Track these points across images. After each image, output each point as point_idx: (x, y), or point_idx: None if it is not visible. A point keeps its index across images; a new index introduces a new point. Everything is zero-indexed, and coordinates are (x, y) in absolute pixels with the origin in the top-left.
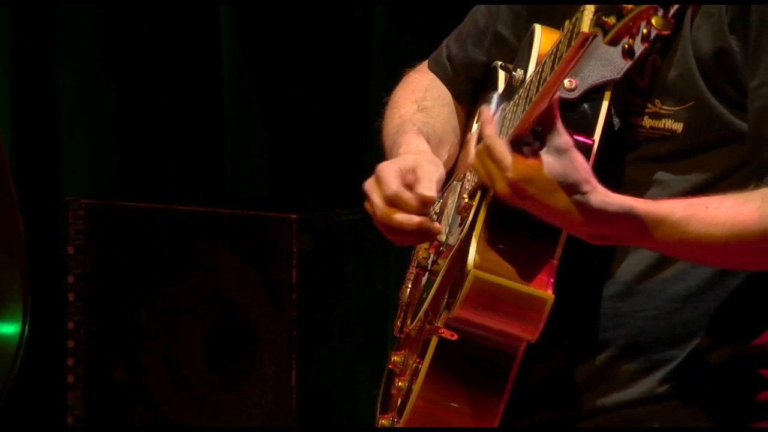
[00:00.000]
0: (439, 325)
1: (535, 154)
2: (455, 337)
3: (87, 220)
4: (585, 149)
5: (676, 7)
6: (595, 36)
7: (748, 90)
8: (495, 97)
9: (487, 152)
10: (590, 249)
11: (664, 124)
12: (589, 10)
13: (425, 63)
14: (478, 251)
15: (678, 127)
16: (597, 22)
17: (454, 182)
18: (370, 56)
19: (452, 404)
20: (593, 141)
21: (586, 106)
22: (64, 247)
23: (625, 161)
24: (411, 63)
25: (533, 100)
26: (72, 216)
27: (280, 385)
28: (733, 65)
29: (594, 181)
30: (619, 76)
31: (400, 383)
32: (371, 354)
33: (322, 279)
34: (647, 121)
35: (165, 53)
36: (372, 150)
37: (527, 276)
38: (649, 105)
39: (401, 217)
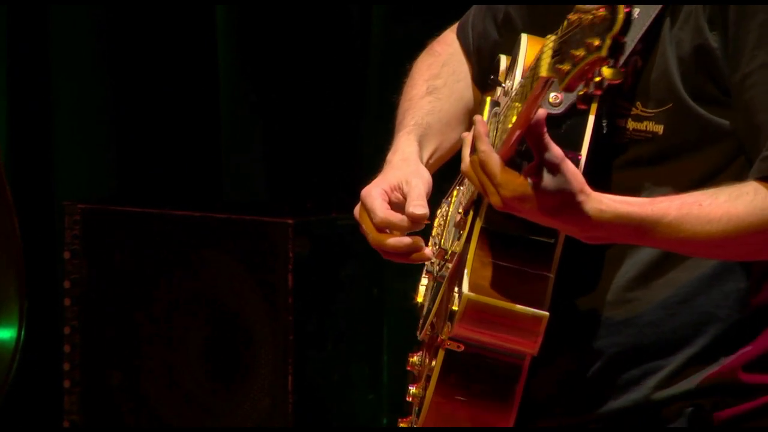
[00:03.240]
0: (444, 338)
1: (528, 170)
2: (461, 349)
3: (83, 224)
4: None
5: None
6: (553, 81)
7: (730, 85)
8: (489, 102)
9: (481, 167)
10: (582, 259)
11: (646, 126)
12: (548, 51)
13: (451, 29)
14: (472, 270)
15: (659, 129)
16: (553, 67)
17: (458, 186)
18: (368, 60)
19: (463, 415)
20: (581, 156)
21: (572, 120)
22: (60, 251)
23: (613, 164)
24: (408, 66)
25: (508, 131)
26: (68, 221)
27: (276, 389)
28: (713, 62)
29: (587, 189)
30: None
31: (414, 390)
32: (367, 358)
33: (318, 283)
34: (631, 124)
35: (162, 57)
36: (369, 155)
37: (522, 294)
38: (632, 107)
39: (392, 241)
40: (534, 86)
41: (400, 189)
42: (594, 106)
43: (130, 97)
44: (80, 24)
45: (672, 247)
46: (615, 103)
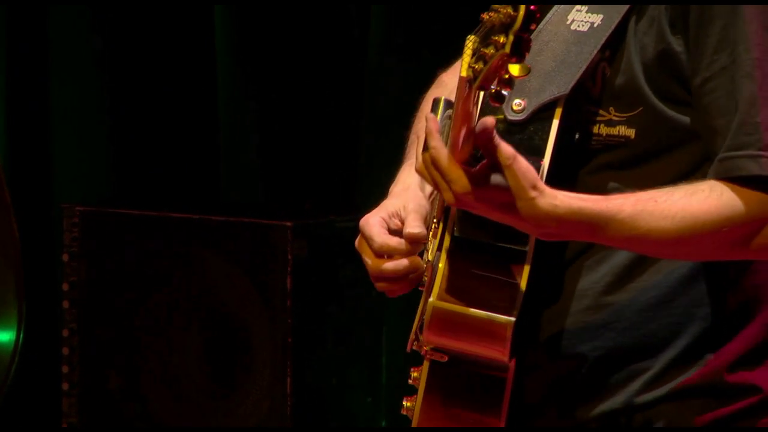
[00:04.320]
0: (427, 348)
1: (481, 166)
2: (445, 359)
3: (82, 227)
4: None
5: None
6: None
7: (691, 88)
8: (443, 101)
9: (432, 163)
10: (559, 265)
11: (618, 131)
12: (468, 51)
13: (461, 59)
14: (442, 278)
15: (631, 133)
16: (470, 67)
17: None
18: (366, 62)
19: (452, 425)
20: (542, 162)
21: (535, 126)
22: (59, 254)
23: (586, 170)
24: (407, 69)
25: (450, 135)
26: (67, 223)
27: (275, 391)
28: (678, 65)
29: (540, 185)
30: (567, 91)
31: (407, 404)
32: (366, 361)
33: (316, 286)
34: (603, 129)
35: (160, 58)
36: (367, 157)
37: (491, 301)
38: (603, 112)
39: (390, 264)
40: (458, 87)
41: (398, 215)
42: (558, 111)
43: (129, 99)
44: (79, 25)
45: (627, 245)
46: (585, 109)
